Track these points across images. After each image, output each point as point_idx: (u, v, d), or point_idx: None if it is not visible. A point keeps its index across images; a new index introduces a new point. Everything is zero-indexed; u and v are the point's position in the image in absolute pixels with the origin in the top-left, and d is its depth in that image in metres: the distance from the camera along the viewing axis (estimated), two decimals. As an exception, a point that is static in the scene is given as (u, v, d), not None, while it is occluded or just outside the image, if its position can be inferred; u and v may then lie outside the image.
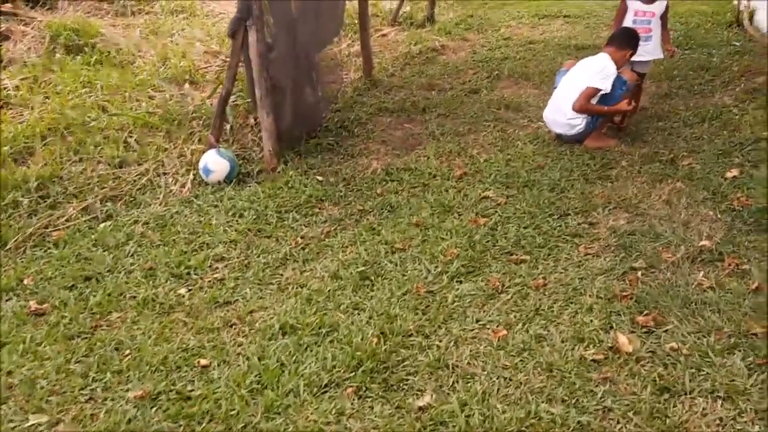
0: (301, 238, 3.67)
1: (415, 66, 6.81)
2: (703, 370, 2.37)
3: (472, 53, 7.15)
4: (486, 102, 5.65)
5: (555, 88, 4.80)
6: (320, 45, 5.24)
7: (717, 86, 5.52)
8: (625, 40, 4.54)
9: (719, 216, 3.42)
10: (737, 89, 5.33)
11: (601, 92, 4.40)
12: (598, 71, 4.40)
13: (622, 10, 4.95)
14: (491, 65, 6.67)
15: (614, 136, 4.67)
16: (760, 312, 2.61)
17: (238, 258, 3.51)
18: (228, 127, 4.95)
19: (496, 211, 3.73)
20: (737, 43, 6.60)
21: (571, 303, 2.84)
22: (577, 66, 4.61)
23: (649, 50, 4.90)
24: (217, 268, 3.45)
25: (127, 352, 2.76)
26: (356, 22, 6.32)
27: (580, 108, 4.44)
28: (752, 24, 5.74)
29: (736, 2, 7.59)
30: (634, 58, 4.90)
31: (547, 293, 2.94)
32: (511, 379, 2.45)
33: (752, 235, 3.19)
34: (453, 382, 2.47)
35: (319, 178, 4.39)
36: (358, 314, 2.92)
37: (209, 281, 3.34)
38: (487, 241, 3.42)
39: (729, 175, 3.83)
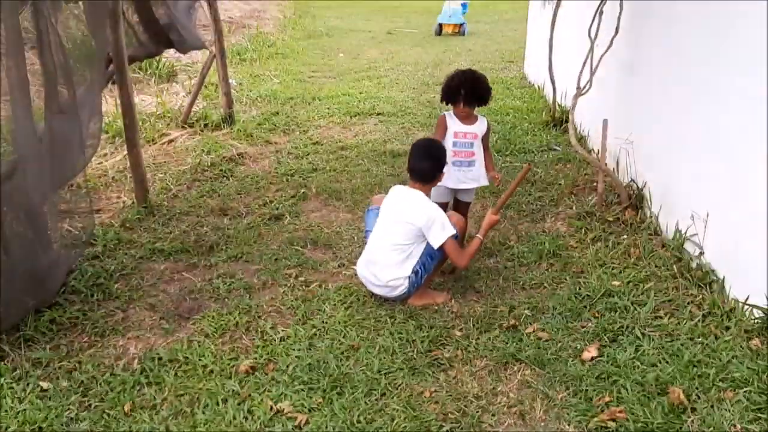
0: None
1: (205, 182, 5.64)
2: None
3: (276, 162, 6.13)
4: (289, 235, 4.60)
5: (366, 231, 3.86)
6: (59, 182, 3.93)
7: (547, 206, 4.91)
8: (432, 172, 3.69)
9: (589, 439, 2.55)
10: (569, 211, 4.74)
11: (451, 235, 3.53)
12: (430, 224, 3.51)
13: (442, 128, 4.17)
14: (297, 179, 5.68)
15: (444, 290, 3.78)
16: None
17: None
18: None
19: (292, 444, 2.61)
20: (558, 148, 6.19)
21: None
22: (390, 213, 3.68)
23: (473, 177, 4.16)
24: None
25: None
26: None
27: (466, 262, 3.63)
28: (571, 124, 5.24)
29: (550, 101, 7.33)
30: (458, 186, 4.14)
31: None
32: None
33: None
34: None
35: (44, 385, 3.03)
36: None
37: None
38: None
39: (587, 355, 3.02)
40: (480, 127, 4.11)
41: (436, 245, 3.52)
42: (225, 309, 3.65)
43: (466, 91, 4.05)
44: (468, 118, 4.12)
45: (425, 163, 3.68)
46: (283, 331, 3.40)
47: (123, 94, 4.75)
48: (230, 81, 8.34)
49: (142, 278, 4.07)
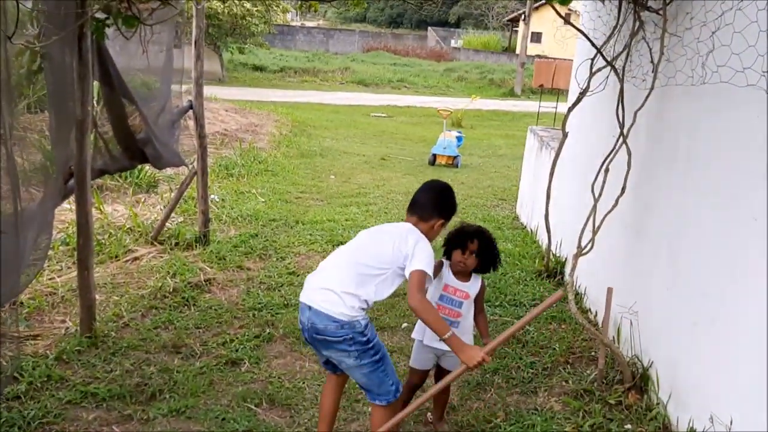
0: None
1: (163, 311, 5.09)
2: None
3: (245, 293, 5.60)
4: (244, 387, 4.02)
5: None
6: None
7: (540, 375, 4.37)
8: (430, 205, 3.30)
9: None
10: (565, 385, 4.21)
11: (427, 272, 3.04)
12: (415, 251, 3.07)
13: (436, 271, 3.69)
14: (265, 315, 5.15)
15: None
16: None
17: None
18: None
19: None
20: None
21: None
22: (366, 234, 3.31)
23: (457, 341, 3.65)
24: None
25: None
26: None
27: (418, 304, 2.99)
28: (571, 288, 4.83)
29: (543, 246, 6.96)
30: (432, 344, 3.62)
31: None
32: None
33: None
34: None
35: None
36: None
37: None
38: None
39: None
40: (473, 286, 3.65)
41: (408, 270, 3.03)
42: (150, 486, 3.02)
43: (480, 242, 3.62)
44: (463, 274, 3.67)
45: (425, 195, 3.34)
46: None
47: (80, 212, 4.31)
48: (213, 197, 8.01)
49: (64, 431, 3.46)
